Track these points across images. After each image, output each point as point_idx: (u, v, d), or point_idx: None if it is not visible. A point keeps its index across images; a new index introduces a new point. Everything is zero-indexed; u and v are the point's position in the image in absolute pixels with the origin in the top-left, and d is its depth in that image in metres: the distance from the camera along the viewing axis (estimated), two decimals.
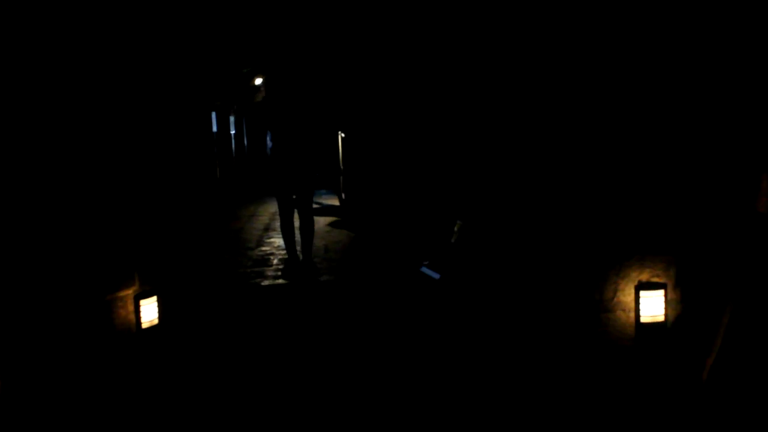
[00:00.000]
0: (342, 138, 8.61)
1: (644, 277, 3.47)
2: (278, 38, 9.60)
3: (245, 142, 12.90)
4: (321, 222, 7.33)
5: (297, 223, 5.07)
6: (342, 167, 8.79)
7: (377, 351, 3.62)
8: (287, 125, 5.04)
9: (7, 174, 3.05)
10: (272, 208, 9.22)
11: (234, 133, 11.34)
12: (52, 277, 3.26)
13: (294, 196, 5.02)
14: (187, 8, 4.77)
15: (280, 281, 4.77)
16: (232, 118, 11.17)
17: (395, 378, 3.31)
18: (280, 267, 5.18)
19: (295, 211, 5.10)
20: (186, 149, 6.24)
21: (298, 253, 5.07)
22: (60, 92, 3.38)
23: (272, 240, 6.51)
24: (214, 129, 9.44)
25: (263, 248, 6.07)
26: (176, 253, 4.57)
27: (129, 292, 3.72)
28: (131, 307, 3.71)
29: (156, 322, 3.75)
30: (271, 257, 5.63)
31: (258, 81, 12.34)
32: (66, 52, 3.39)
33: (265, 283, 4.70)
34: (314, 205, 6.21)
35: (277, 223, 7.79)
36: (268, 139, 5.96)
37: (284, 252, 5.82)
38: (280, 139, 5.10)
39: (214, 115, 9.49)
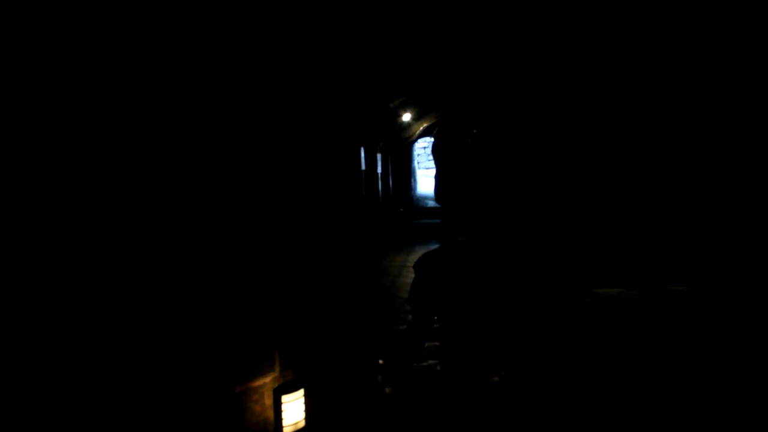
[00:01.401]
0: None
1: None
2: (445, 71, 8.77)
3: (390, 182, 12.13)
4: None
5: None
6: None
7: None
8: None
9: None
10: None
11: (380, 173, 10.58)
12: (159, 358, 2.36)
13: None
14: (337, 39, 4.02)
15: None
16: (378, 156, 10.43)
17: None
18: None
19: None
20: (337, 190, 5.37)
21: None
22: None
23: None
24: (362, 167, 8.66)
25: None
26: (323, 321, 3.61)
27: (267, 381, 2.75)
28: (269, 401, 2.74)
29: (302, 425, 2.73)
30: None
31: (406, 116, 11.62)
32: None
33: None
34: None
35: None
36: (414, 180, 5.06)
37: None
38: None
39: (362, 152, 8.75)
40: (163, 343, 2.34)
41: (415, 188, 15.41)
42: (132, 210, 2.28)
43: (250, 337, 2.70)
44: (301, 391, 2.72)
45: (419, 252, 8.79)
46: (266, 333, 2.78)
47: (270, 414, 2.73)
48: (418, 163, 26.42)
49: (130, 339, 2.24)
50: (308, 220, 3.39)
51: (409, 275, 6.88)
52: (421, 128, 13.31)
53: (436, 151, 6.91)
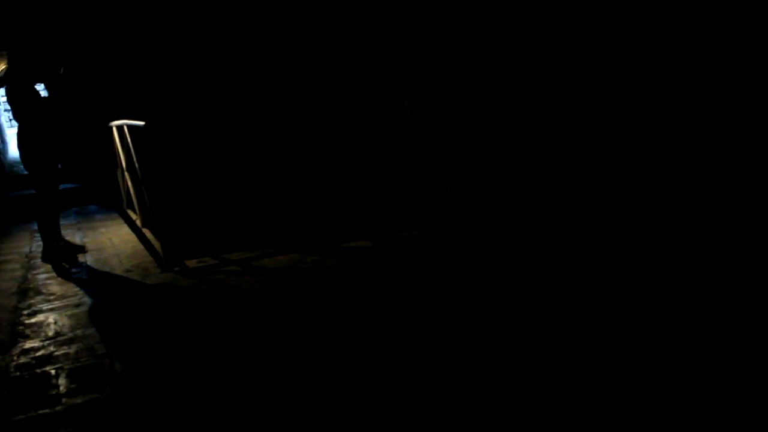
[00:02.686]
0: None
1: None
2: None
3: None
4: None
5: None
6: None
7: None
8: None
9: None
10: (25, 245, 5.92)
11: None
12: None
13: None
14: None
15: None
16: None
17: None
18: (78, 402, 2.41)
19: None
20: None
21: None
22: None
23: (40, 318, 3.54)
24: None
25: (27, 344, 3.13)
26: None
27: None
28: None
29: None
30: (52, 372, 2.76)
31: None
32: None
33: None
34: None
35: (42, 276, 4.69)
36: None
37: (75, 357, 2.99)
38: None
39: None
40: None
41: (6, 152, 12.05)
42: None
43: None
44: None
45: (17, 237, 6.41)
46: None
47: None
48: (10, 119, 21.44)
49: None
50: None
51: (3, 281, 4.72)
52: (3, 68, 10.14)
53: (13, 103, 4.70)
